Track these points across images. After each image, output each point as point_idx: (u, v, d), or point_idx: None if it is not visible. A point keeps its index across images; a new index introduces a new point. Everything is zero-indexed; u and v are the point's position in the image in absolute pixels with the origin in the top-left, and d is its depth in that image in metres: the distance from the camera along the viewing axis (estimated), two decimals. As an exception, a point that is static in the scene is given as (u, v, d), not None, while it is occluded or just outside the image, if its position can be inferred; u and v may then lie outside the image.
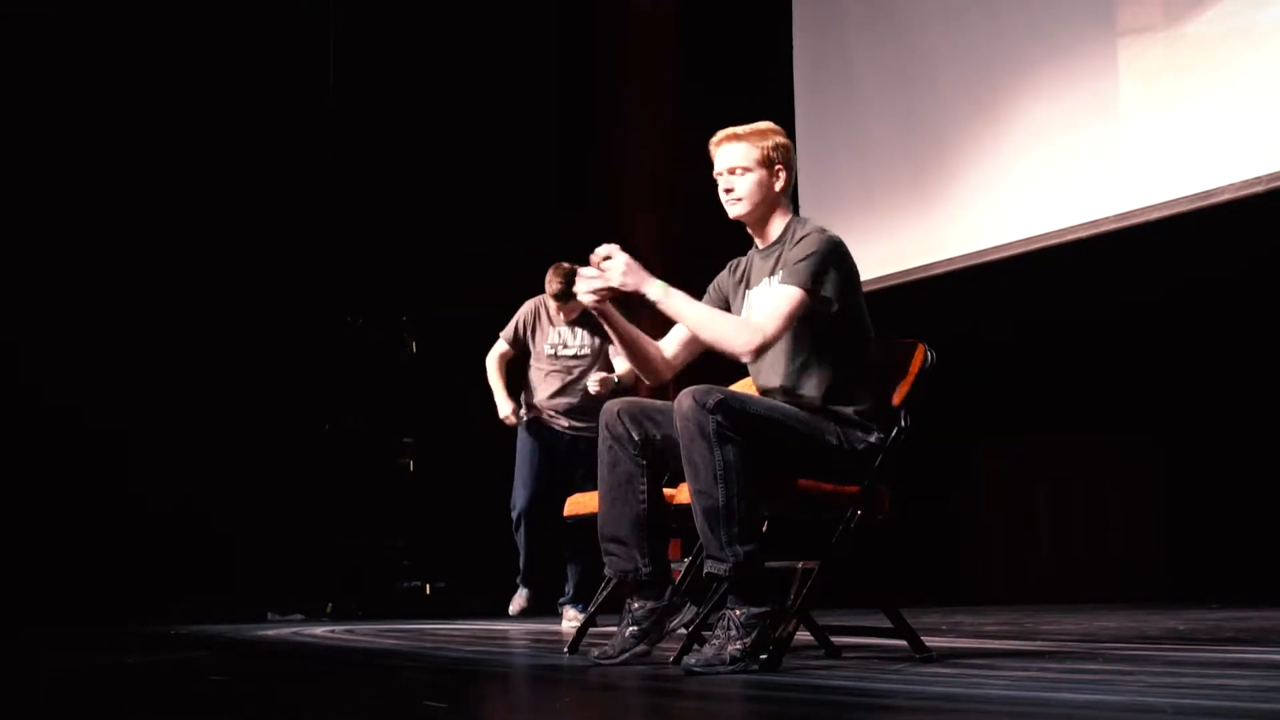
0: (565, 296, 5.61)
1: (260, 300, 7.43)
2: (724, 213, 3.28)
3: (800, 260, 3.08)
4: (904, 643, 3.21)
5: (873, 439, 3.12)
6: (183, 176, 7.26)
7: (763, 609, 2.93)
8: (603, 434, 3.23)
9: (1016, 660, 3.06)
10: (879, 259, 6.67)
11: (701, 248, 7.65)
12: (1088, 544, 7.47)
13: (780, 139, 3.28)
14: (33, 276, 6.93)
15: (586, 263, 3.10)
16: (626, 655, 3.17)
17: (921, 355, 3.17)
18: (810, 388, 3.15)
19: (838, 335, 3.14)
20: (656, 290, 3.07)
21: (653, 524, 3.19)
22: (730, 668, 2.85)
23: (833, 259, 3.09)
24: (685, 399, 2.95)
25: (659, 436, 3.13)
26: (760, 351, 3.05)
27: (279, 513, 7.32)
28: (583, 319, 5.72)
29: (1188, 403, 6.89)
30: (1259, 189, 5.21)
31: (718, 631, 2.94)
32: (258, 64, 7.51)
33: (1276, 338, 6.22)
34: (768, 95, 7.58)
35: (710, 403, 2.91)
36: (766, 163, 3.23)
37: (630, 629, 3.17)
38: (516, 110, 8.23)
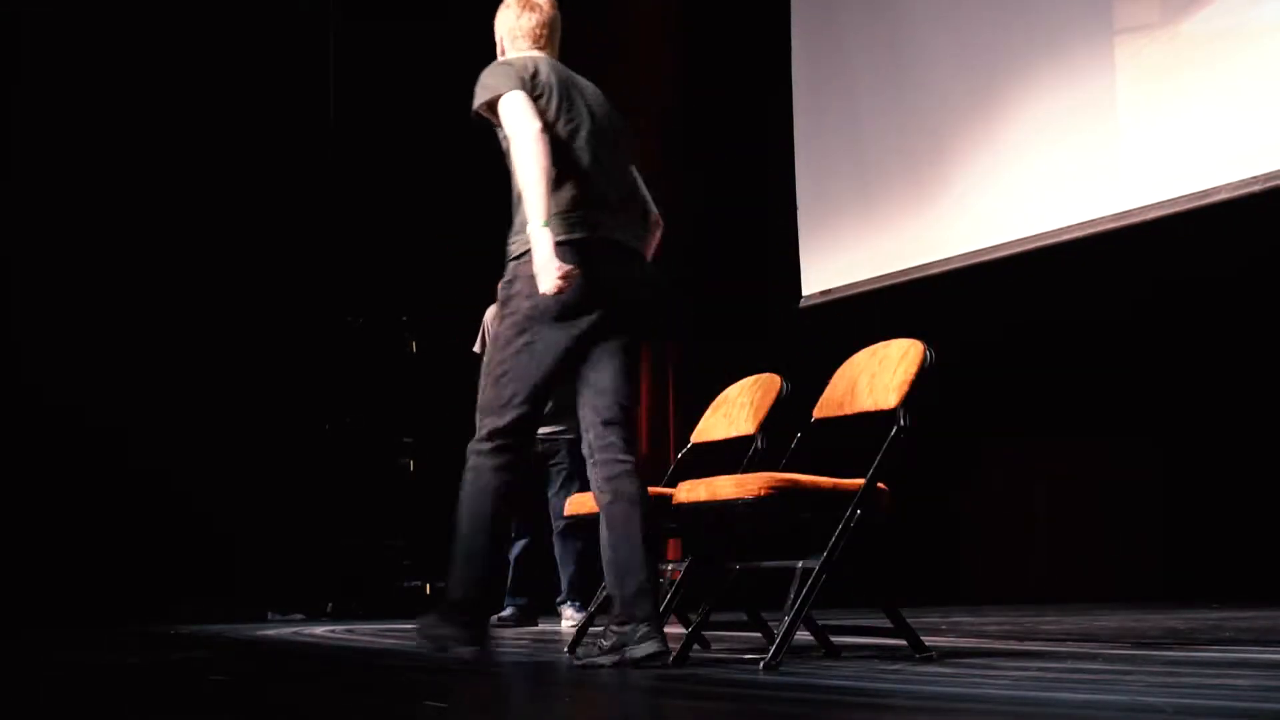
0: None
1: (260, 300, 7.43)
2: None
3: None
4: (904, 643, 3.21)
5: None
6: (183, 177, 7.25)
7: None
8: None
9: (1016, 660, 3.06)
10: (878, 259, 6.65)
11: (702, 244, 7.67)
12: (1088, 544, 7.46)
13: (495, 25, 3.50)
14: (33, 276, 6.94)
15: None
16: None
17: (921, 355, 3.17)
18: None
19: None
20: (533, 227, 3.11)
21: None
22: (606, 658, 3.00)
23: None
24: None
25: None
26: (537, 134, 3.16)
27: (279, 513, 7.32)
28: None
29: (1188, 403, 6.89)
30: (1256, 188, 5.20)
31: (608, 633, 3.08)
32: (258, 65, 7.51)
33: (1276, 338, 6.22)
34: (767, 95, 7.58)
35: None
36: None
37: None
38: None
